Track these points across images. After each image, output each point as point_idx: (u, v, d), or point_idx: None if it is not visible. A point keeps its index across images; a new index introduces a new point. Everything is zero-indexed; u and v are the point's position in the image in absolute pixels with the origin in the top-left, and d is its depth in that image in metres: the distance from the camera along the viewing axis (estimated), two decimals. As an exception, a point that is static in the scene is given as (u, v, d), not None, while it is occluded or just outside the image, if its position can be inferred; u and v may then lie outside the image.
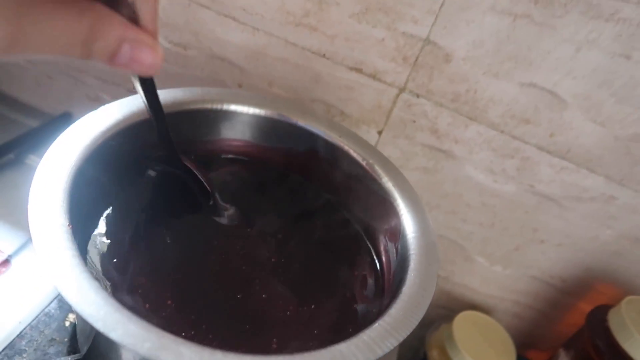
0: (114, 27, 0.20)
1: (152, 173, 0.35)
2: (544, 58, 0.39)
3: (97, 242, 0.30)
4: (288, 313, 0.30)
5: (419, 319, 0.26)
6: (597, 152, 0.42)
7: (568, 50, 0.38)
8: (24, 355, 0.33)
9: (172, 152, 0.33)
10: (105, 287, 0.27)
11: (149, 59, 0.21)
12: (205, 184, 0.35)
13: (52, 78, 0.58)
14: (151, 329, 0.22)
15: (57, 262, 0.23)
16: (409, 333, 0.25)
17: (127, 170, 0.33)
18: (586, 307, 0.50)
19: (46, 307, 0.37)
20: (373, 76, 0.44)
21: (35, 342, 0.34)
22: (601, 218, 0.46)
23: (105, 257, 0.29)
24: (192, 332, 0.27)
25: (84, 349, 0.31)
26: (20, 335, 0.35)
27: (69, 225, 0.25)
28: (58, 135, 0.29)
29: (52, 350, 0.34)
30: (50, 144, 0.28)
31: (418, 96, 0.44)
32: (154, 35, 0.22)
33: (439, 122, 0.45)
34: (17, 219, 0.43)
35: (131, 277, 0.28)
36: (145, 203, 0.34)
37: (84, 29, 0.19)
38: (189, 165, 0.34)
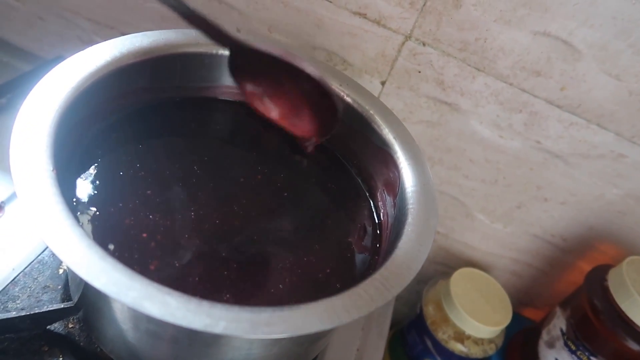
0: None
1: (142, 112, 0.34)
2: (561, 3, 0.36)
3: (85, 187, 0.29)
4: (283, 262, 0.29)
5: (414, 274, 0.25)
6: (610, 107, 0.41)
7: (587, -5, 0.36)
8: (18, 302, 0.33)
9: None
10: (91, 234, 0.26)
11: None
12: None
13: (43, 19, 0.56)
14: (136, 277, 0.21)
15: (40, 208, 0.22)
16: (403, 288, 0.24)
17: (114, 112, 0.32)
18: (586, 266, 0.50)
19: (40, 254, 0.36)
20: (377, 22, 0.42)
21: (29, 289, 0.34)
22: (608, 176, 0.45)
23: (92, 203, 0.28)
24: (181, 280, 0.26)
25: (75, 297, 0.31)
26: (14, 282, 0.34)
27: (53, 170, 0.24)
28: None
29: (45, 297, 0.34)
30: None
31: (424, 44, 0.42)
32: None
33: (445, 73, 0.43)
34: (10, 165, 0.42)
35: (118, 222, 0.27)
36: (133, 146, 0.33)
37: None
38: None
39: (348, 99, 0.36)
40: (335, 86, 0.36)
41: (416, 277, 0.25)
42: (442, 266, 0.58)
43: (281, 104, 0.35)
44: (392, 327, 0.58)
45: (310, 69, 0.31)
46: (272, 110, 0.35)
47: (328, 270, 0.30)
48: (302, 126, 0.35)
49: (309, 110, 0.34)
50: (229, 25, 0.47)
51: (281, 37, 0.46)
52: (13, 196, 0.40)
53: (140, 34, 0.33)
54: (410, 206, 0.30)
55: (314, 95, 0.32)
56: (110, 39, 0.32)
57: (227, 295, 0.26)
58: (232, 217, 0.31)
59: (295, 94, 0.33)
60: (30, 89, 0.27)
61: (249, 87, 0.35)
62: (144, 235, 0.27)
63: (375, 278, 0.25)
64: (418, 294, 0.56)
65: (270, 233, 0.31)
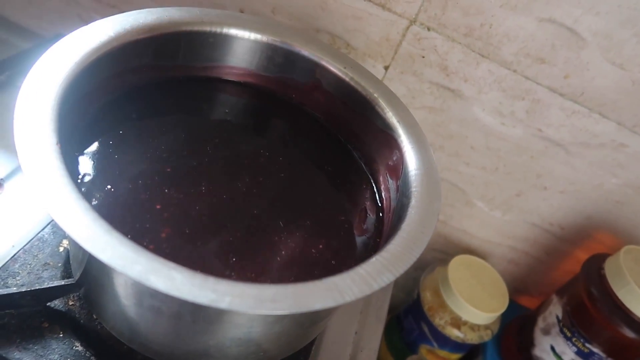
0: None
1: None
2: (567, -10, 0.36)
3: (88, 161, 0.29)
4: (285, 241, 0.29)
5: (417, 256, 0.25)
6: (612, 96, 0.41)
7: (594, -18, 0.36)
8: (18, 278, 0.33)
9: None
10: (96, 206, 0.26)
11: None
12: None
13: (43, -3, 0.55)
14: (142, 251, 0.21)
15: (45, 182, 0.22)
16: (405, 269, 0.25)
17: (117, 88, 0.32)
18: (583, 255, 0.50)
19: (40, 231, 0.36)
20: (383, 5, 0.42)
21: (28, 266, 0.34)
22: (608, 166, 0.45)
23: (97, 177, 0.28)
24: (191, 244, 0.27)
25: (76, 274, 0.31)
26: (13, 259, 0.34)
27: (57, 143, 0.24)
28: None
29: (45, 274, 0.34)
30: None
31: (429, 29, 0.42)
32: None
33: (449, 59, 0.43)
34: (10, 142, 0.42)
35: (124, 196, 0.27)
36: (137, 122, 0.33)
37: None
38: None
39: (351, 82, 0.36)
40: (339, 68, 0.36)
41: (414, 264, 0.25)
42: (440, 253, 0.59)
43: None
44: (388, 312, 0.59)
45: None
46: None
47: (321, 247, 0.30)
48: None
49: None
50: (233, 7, 0.46)
51: (285, 20, 0.46)
52: (13, 173, 0.40)
53: (145, 10, 0.33)
54: (413, 189, 0.30)
55: None
56: (111, 17, 0.32)
57: (234, 259, 0.27)
58: (237, 193, 0.31)
59: None
60: (30, 67, 0.27)
61: None
62: (158, 206, 0.28)
63: (378, 259, 0.25)
64: (415, 281, 0.57)
65: (270, 210, 0.31)
